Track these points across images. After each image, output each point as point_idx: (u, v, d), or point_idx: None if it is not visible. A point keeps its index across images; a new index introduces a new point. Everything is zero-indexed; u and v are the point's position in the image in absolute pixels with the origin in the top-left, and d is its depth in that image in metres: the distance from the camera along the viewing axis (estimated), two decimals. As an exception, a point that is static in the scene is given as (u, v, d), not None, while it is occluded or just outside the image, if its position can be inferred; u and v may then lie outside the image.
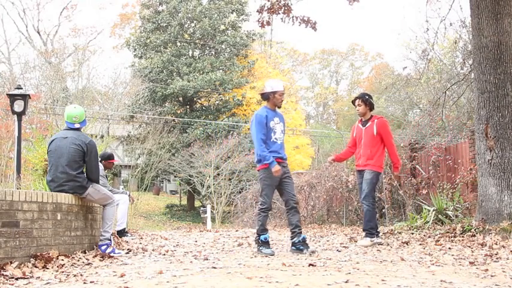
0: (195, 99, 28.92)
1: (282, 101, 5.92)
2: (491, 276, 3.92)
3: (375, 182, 6.59)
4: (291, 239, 5.76)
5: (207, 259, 5.21)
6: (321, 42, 65.16)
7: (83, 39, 38.63)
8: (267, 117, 5.75)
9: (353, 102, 6.92)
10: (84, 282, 3.74)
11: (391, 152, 6.74)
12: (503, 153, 6.50)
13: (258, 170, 5.83)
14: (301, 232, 5.70)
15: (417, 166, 9.85)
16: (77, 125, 5.58)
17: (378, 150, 6.58)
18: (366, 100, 6.68)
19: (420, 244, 6.16)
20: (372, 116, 6.74)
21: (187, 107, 29.18)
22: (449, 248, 5.68)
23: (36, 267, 4.38)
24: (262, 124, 5.70)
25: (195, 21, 28.89)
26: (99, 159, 6.49)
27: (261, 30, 28.85)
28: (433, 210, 7.66)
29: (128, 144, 29.27)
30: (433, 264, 4.63)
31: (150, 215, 26.24)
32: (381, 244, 6.41)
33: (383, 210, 10.20)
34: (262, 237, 5.65)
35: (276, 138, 5.77)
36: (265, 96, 5.89)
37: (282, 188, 5.79)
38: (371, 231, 6.49)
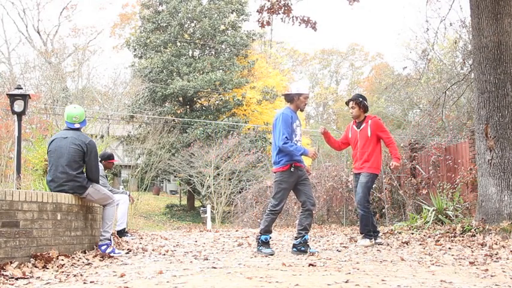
0: (195, 99, 28.92)
1: (306, 104, 5.84)
2: (491, 276, 3.92)
3: (369, 186, 6.50)
4: (295, 239, 5.73)
5: (207, 259, 5.21)
6: (321, 42, 65.18)
7: (83, 39, 38.73)
8: (291, 117, 5.67)
9: (347, 103, 6.81)
10: (84, 282, 3.74)
11: (391, 149, 6.58)
12: (503, 153, 6.50)
13: (275, 172, 5.71)
14: (306, 234, 5.66)
15: (417, 166, 9.85)
16: (77, 125, 5.58)
17: (374, 151, 6.51)
18: (360, 102, 6.58)
19: (420, 244, 6.16)
20: (365, 117, 6.65)
21: (187, 107, 29.18)
22: (449, 248, 5.67)
23: (36, 267, 4.38)
24: (288, 123, 5.60)
25: (195, 21, 28.90)
26: (99, 159, 6.49)
27: (261, 30, 28.85)
28: (433, 210, 7.65)
29: (128, 144, 29.28)
30: (433, 264, 4.63)
31: (150, 215, 26.25)
32: (381, 244, 6.41)
33: (383, 210, 10.19)
34: (263, 237, 5.64)
35: (296, 141, 5.67)
36: (289, 98, 5.78)
37: (300, 189, 5.70)
38: (369, 233, 6.48)
